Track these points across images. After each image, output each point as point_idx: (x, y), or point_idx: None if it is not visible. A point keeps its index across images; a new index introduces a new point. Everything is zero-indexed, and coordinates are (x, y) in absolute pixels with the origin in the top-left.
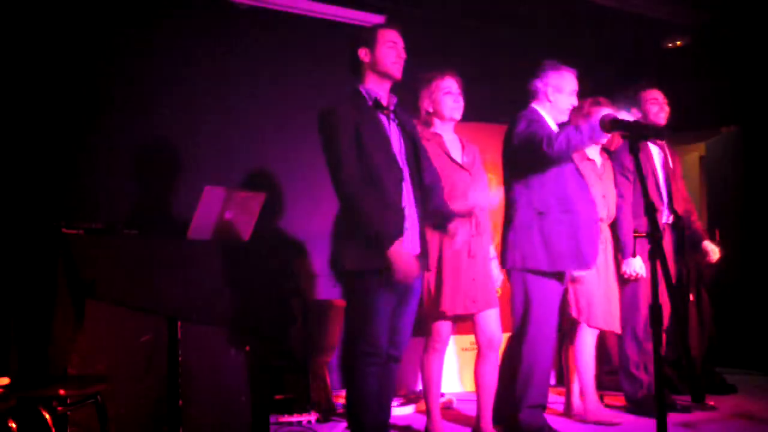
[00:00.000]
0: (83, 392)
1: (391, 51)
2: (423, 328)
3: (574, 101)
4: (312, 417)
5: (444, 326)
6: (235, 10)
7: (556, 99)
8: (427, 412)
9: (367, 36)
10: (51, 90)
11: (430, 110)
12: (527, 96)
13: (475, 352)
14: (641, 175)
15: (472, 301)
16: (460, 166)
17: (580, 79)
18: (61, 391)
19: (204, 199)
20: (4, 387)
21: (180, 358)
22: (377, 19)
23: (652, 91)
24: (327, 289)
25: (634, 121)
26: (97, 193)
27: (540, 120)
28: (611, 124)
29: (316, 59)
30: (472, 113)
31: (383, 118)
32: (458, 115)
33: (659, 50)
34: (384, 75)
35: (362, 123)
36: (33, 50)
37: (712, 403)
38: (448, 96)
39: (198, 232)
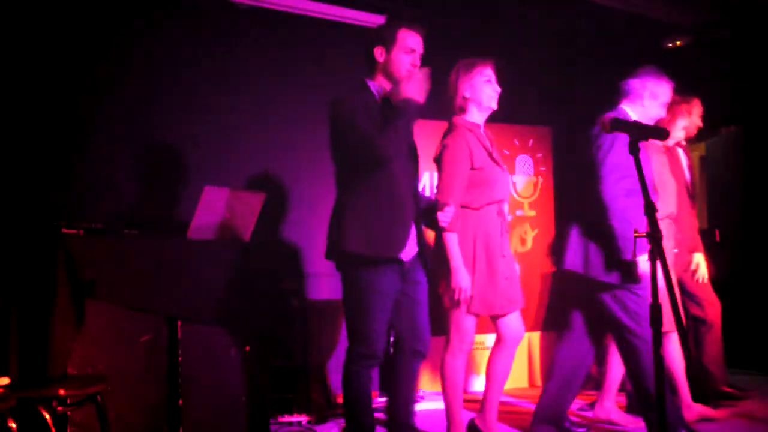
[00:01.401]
0: (83, 392)
1: (406, 58)
2: (445, 326)
3: (663, 113)
4: (312, 417)
5: (471, 325)
6: (235, 10)
7: (649, 105)
8: (448, 419)
9: (386, 35)
10: (51, 90)
11: (467, 95)
12: (618, 94)
13: (478, 351)
14: (641, 174)
15: (509, 300)
16: (497, 162)
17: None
18: (61, 391)
19: (204, 199)
20: (4, 387)
21: (180, 358)
22: (377, 19)
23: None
24: (327, 289)
25: (634, 121)
26: (97, 193)
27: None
28: (611, 125)
29: (316, 59)
30: None
31: None
32: (495, 105)
33: (659, 50)
34: (394, 81)
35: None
36: (33, 50)
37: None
38: (488, 84)
39: (198, 232)
